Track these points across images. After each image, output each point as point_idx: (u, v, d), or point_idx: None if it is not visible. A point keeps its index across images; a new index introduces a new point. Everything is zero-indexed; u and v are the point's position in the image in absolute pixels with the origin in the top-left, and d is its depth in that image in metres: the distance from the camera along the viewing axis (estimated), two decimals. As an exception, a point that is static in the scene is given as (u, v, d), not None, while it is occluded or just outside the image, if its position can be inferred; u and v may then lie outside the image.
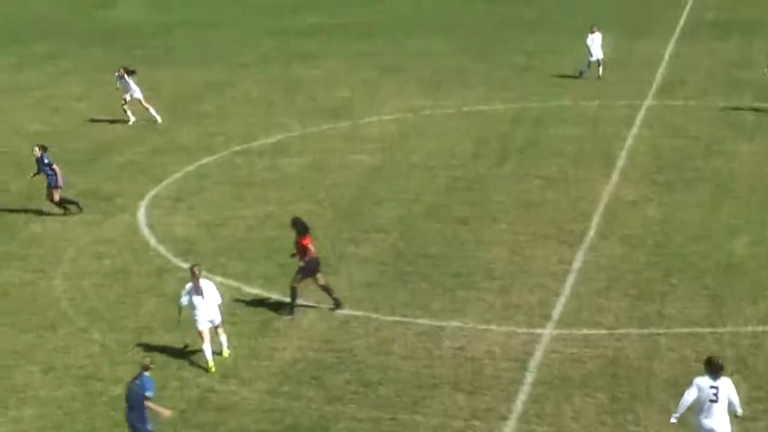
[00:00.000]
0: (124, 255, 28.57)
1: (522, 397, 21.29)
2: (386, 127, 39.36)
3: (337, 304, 24.98)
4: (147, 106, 40.27)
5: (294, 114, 41.34)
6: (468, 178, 33.52)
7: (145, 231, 30.25)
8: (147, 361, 19.75)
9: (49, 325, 24.93)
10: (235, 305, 25.26)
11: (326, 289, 24.99)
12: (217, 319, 22.95)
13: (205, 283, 22.90)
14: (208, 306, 22.76)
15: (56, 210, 31.41)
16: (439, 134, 38.22)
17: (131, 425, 19.42)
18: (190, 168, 35.40)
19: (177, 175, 34.78)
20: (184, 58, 50.57)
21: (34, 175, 31.80)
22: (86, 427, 20.84)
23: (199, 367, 22.71)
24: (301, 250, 24.63)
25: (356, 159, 35.80)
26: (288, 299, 25.05)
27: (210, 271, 25.14)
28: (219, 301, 23.03)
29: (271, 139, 38.29)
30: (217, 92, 44.89)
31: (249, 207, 31.89)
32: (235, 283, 26.48)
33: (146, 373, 19.43)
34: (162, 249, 28.83)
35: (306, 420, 20.79)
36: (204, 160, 36.09)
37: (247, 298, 25.83)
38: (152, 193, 33.26)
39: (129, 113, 40.19)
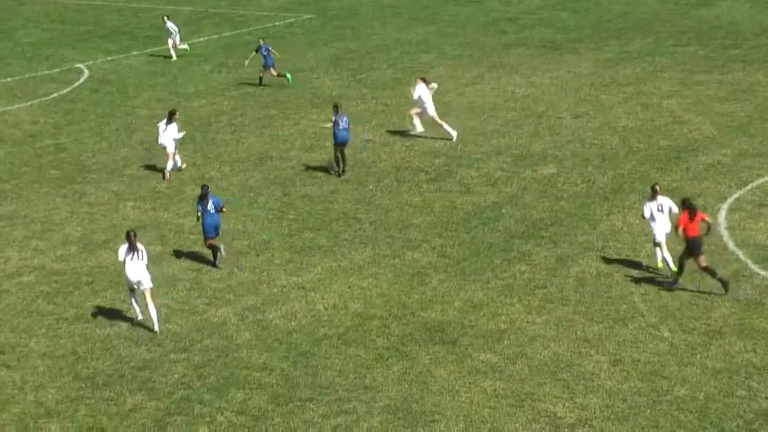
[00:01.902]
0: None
1: None
2: None
3: (724, 286, 25.95)
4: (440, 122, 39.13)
5: None
6: None
7: (725, 234, 29.74)
8: None
9: (620, 317, 25.20)
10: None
11: (708, 271, 26.05)
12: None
13: (664, 200, 26.95)
14: (664, 221, 26.85)
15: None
16: None
17: None
18: (778, 174, 34.43)
19: (762, 180, 33.87)
20: (781, 61, 49.15)
21: None
22: (649, 424, 20.87)
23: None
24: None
25: None
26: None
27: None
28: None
29: None
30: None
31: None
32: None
33: None
34: (740, 253, 28.24)
35: None
36: (793, 167, 34.97)
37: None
38: (735, 196, 32.62)
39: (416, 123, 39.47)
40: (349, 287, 27.34)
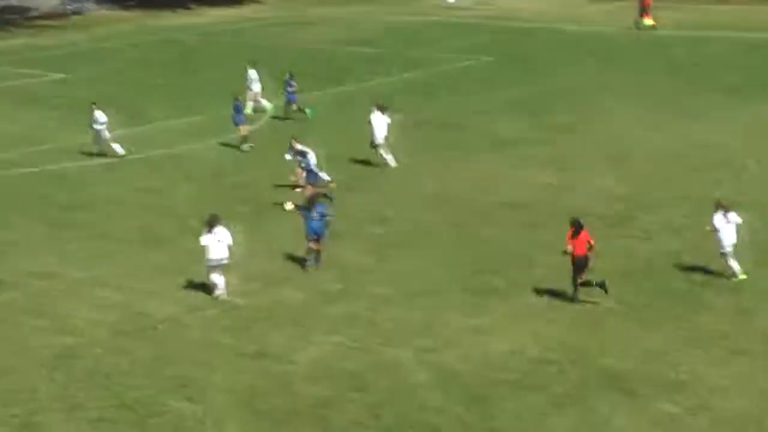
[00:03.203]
0: None
1: None
2: None
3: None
4: None
5: None
6: None
7: None
8: None
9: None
10: None
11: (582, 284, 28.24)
12: None
13: (730, 213, 29.49)
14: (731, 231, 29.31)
15: None
16: None
17: None
18: None
19: None
20: None
21: None
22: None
23: None
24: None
25: None
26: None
27: None
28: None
29: None
30: None
31: None
32: None
33: None
34: None
35: None
36: None
37: None
38: None
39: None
40: (526, 331, 27.12)
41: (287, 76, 49.99)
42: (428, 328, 27.56)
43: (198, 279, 31.09)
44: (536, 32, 72.85)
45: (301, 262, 31.90)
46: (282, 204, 35.44)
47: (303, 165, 37.34)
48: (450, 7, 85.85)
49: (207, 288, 30.32)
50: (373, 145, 41.57)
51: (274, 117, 50.33)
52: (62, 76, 62.40)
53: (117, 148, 43.89)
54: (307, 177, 37.10)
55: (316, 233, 31.54)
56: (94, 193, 39.67)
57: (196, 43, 72.62)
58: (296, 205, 35.21)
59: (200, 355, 26.37)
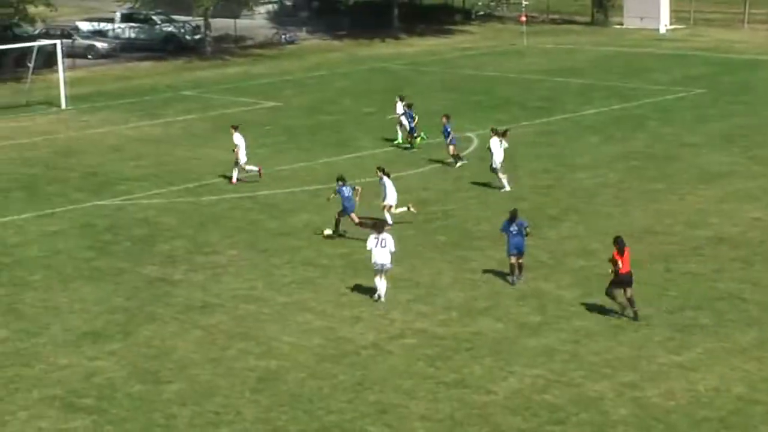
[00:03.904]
0: None
1: None
2: None
3: (635, 317, 29.17)
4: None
5: None
6: None
7: None
8: None
9: None
10: None
11: (630, 301, 29.25)
12: None
13: None
14: None
15: None
16: None
17: None
18: None
19: None
20: None
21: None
22: None
23: None
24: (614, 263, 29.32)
25: None
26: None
27: None
28: None
29: None
30: None
31: None
32: None
33: None
34: None
35: None
36: None
37: None
38: None
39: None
40: (732, 369, 26.45)
41: (405, 104, 50.82)
42: (632, 362, 27.15)
43: (399, 307, 31.35)
44: (750, 64, 71.29)
45: (508, 278, 32.74)
46: (322, 232, 37.18)
47: (336, 190, 37.78)
48: (662, 38, 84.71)
49: (408, 315, 30.56)
50: (492, 169, 42.96)
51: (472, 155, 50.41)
52: (275, 104, 63.89)
53: (252, 169, 45.45)
54: (343, 205, 37.49)
55: (516, 249, 32.43)
56: (300, 219, 40.39)
57: (406, 73, 73.37)
58: (333, 231, 35.91)
59: (400, 382, 26.54)
